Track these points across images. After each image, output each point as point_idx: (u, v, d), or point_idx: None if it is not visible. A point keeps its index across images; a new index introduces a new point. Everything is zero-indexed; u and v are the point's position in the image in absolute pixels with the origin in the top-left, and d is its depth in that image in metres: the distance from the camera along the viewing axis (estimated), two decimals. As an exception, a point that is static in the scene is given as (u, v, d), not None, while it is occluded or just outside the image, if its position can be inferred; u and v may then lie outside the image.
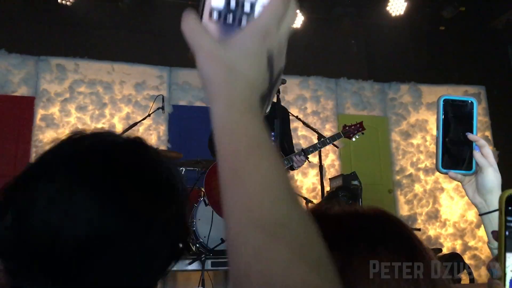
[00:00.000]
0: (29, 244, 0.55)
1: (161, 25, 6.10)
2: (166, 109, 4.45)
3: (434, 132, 6.12)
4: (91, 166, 0.61)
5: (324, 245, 0.40)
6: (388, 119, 6.81)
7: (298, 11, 5.99)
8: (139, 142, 0.68)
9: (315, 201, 5.13)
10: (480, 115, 6.94)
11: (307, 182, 6.09)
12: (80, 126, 5.67)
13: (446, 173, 1.04)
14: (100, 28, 5.90)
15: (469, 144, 1.02)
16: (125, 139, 0.68)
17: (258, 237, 0.39)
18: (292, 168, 3.28)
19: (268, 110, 0.46)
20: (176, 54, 6.11)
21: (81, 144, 0.63)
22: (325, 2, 6.29)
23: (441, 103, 1.05)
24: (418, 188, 6.60)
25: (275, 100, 3.18)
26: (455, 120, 1.04)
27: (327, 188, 4.83)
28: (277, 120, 2.96)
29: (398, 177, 6.61)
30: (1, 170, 4.87)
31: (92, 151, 0.62)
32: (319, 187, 6.04)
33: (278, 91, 3.14)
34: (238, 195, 0.41)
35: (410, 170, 6.65)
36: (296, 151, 3.31)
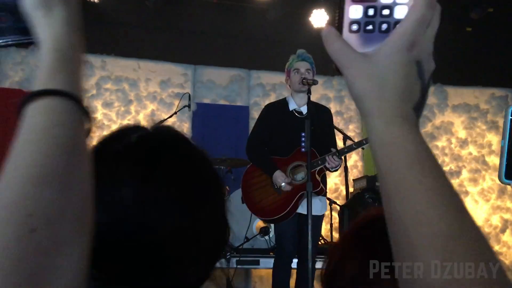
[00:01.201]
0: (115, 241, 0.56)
1: (186, 24, 6.17)
2: (190, 107, 4.50)
3: (459, 135, 6.05)
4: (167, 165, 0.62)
5: (497, 258, 0.38)
6: (412, 121, 6.73)
7: (324, 12, 5.98)
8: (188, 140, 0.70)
9: (338, 202, 5.12)
10: (507, 118, 6.79)
11: (330, 182, 6.07)
12: (106, 123, 5.78)
13: (509, 184, 1.03)
14: (126, 26, 6.00)
15: None
16: (181, 136, 0.69)
17: (429, 254, 0.38)
18: (327, 169, 3.26)
19: (421, 114, 0.48)
20: (200, 52, 6.17)
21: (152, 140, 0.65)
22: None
23: (510, 111, 1.03)
24: (441, 191, 6.50)
25: (306, 101, 3.18)
26: None
27: (350, 190, 4.81)
28: (308, 121, 2.95)
29: (421, 180, 6.52)
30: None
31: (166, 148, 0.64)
32: (341, 187, 6.03)
33: (309, 91, 3.13)
34: (403, 211, 0.40)
35: (434, 172, 6.55)
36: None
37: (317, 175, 3.28)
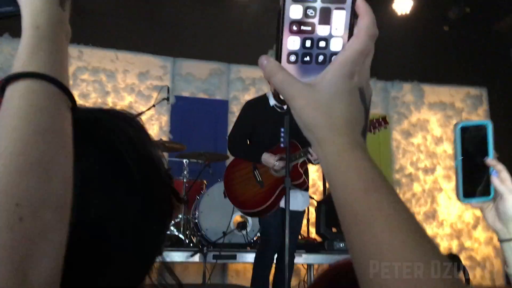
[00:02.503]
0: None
1: (166, 15, 6.09)
2: (169, 100, 4.46)
3: (435, 132, 6.16)
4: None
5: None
6: (390, 118, 6.82)
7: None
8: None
9: (315, 197, 5.16)
10: (481, 117, 6.95)
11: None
12: (82, 114, 5.68)
13: (468, 203, 1.03)
14: (104, 16, 5.89)
15: (486, 169, 1.01)
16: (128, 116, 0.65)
17: (393, 283, 0.37)
18: (310, 161, 3.27)
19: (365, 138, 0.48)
20: (180, 44, 6.10)
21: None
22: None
23: (459, 131, 1.03)
24: (417, 187, 6.63)
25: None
26: (471, 146, 1.03)
27: (327, 185, 4.85)
28: (287, 116, 2.96)
29: (397, 176, 6.63)
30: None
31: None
32: (318, 183, 6.07)
33: None
34: (363, 240, 0.40)
35: (410, 169, 6.67)
36: None
37: (299, 168, 3.30)
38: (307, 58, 0.47)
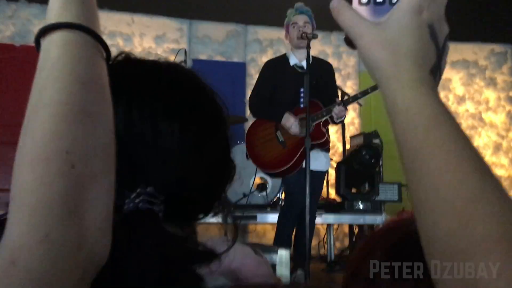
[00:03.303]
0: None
1: (181, -24, 5.98)
2: (187, 63, 4.44)
3: (457, 91, 6.04)
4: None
5: None
6: (410, 77, 6.69)
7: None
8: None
9: (334, 159, 5.16)
10: (506, 75, 6.76)
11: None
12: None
13: None
14: (119, -21, 5.81)
15: None
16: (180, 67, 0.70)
17: (450, 218, 0.37)
18: (333, 120, 3.25)
19: (440, 78, 0.47)
20: (196, 6, 6.01)
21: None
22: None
23: None
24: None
25: (305, 55, 3.13)
26: None
27: (347, 147, 4.83)
28: (307, 76, 2.92)
29: (417, 136, 6.56)
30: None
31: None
32: (337, 144, 6.05)
33: (308, 46, 3.09)
34: (422, 176, 0.40)
35: (431, 129, 6.58)
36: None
37: (322, 127, 3.29)
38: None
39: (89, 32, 0.46)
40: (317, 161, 3.18)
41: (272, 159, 3.27)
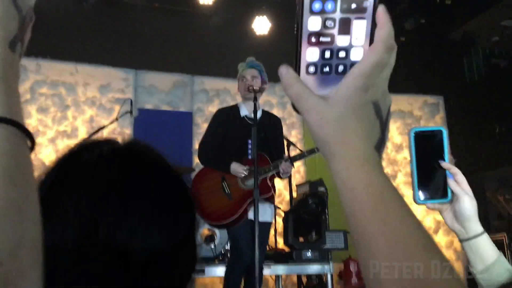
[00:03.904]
0: (96, 258, 0.55)
1: (126, 27, 6.01)
2: (133, 113, 4.38)
3: (395, 140, 6.29)
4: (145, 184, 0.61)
5: None
6: (352, 127, 6.96)
7: (266, 19, 6.06)
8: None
9: (281, 206, 5.17)
10: (438, 124, 7.19)
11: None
12: (41, 129, 5.51)
13: (423, 204, 1.06)
14: (64, 28, 5.75)
15: (443, 172, 1.03)
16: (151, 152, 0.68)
17: (393, 283, 0.38)
18: (279, 175, 3.29)
19: (383, 149, 0.47)
20: (142, 56, 6.03)
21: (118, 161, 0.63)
22: (293, 9, 6.36)
23: (412, 136, 1.06)
24: (379, 194, 6.76)
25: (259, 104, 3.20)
26: (427, 151, 1.06)
27: (294, 195, 4.87)
28: (254, 128, 2.96)
29: (361, 183, 6.75)
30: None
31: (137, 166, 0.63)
32: (284, 193, 6.09)
33: (255, 98, 3.16)
34: (370, 255, 0.41)
35: (373, 176, 6.80)
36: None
37: (268, 181, 3.30)
38: (327, 69, 0.47)
39: (14, 124, 0.45)
40: (263, 212, 3.18)
41: (217, 210, 3.23)
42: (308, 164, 6.36)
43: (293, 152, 4.48)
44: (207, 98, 6.23)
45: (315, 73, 0.47)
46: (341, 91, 0.45)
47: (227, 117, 3.42)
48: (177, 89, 6.21)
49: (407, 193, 6.77)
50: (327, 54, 0.46)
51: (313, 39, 0.46)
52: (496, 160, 6.41)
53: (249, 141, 3.26)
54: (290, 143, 4.40)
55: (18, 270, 0.39)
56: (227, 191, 3.25)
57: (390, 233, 0.40)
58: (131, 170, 0.61)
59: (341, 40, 0.46)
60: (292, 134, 6.48)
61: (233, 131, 3.35)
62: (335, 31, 0.46)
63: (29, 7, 0.49)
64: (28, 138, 0.47)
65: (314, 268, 4.15)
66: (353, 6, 0.45)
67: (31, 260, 0.41)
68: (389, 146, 6.94)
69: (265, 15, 6.13)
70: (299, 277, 4.62)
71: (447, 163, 1.03)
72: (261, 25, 6.16)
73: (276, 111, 6.56)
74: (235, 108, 3.48)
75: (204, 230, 4.25)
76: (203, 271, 3.81)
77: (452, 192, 1.03)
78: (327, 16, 0.45)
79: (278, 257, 4.28)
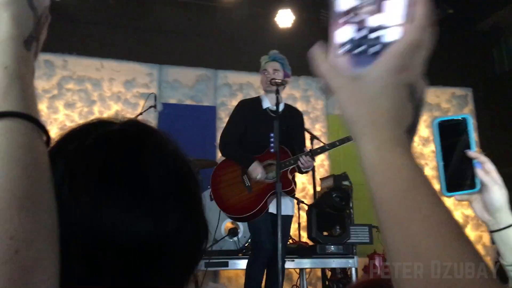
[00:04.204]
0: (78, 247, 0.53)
1: (150, 22, 6.07)
2: (157, 107, 4.43)
3: (422, 133, 6.20)
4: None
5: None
6: (376, 120, 6.87)
7: (290, 12, 6.01)
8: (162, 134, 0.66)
9: (305, 201, 5.15)
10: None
11: (296, 181, 6.10)
12: (68, 124, 5.62)
13: (451, 196, 1.03)
14: (89, 25, 5.85)
15: (470, 162, 1.00)
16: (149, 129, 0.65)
17: (428, 284, 0.37)
18: (299, 170, 3.28)
19: (415, 135, 0.47)
20: (166, 51, 6.08)
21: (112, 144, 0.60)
22: (316, 2, 6.31)
23: (436, 126, 1.02)
24: (405, 188, 6.67)
25: (274, 101, 3.18)
26: (452, 140, 1.02)
27: (317, 189, 4.85)
28: (276, 121, 2.95)
29: (386, 177, 6.66)
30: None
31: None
32: (308, 186, 6.07)
33: (277, 92, 3.14)
34: (400, 240, 0.39)
35: (398, 170, 6.71)
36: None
37: (289, 175, 3.29)
38: (360, 49, 0.45)
39: (29, 119, 0.46)
40: (284, 206, 3.17)
41: (237, 202, 3.22)
42: (332, 157, 6.31)
43: (317, 146, 4.47)
44: (230, 92, 6.24)
45: (347, 52, 0.46)
46: (374, 70, 0.44)
47: (249, 108, 3.41)
48: (201, 84, 6.24)
49: (435, 187, 6.65)
50: (361, 34, 0.45)
51: (347, 17, 0.45)
52: (527, 154, 6.23)
53: (271, 134, 3.25)
54: (314, 137, 4.38)
55: (34, 258, 0.40)
56: (247, 184, 3.25)
57: (422, 220, 0.39)
58: (112, 156, 0.57)
59: (376, 20, 0.44)
60: (316, 127, 6.44)
61: (255, 123, 3.33)
62: (369, 9, 0.44)
63: (44, 7, 0.51)
64: (43, 133, 0.48)
65: (338, 262, 4.13)
66: None
67: (47, 249, 0.41)
68: (416, 139, 6.80)
69: (288, 8, 6.08)
70: (323, 270, 4.61)
71: (474, 152, 1.00)
72: (285, 18, 6.12)
73: (299, 105, 6.52)
74: (257, 100, 3.47)
75: (228, 223, 4.27)
76: (226, 264, 3.83)
77: (481, 181, 1.00)
78: None
79: (302, 251, 4.28)
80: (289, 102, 6.53)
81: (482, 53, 6.95)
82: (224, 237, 4.14)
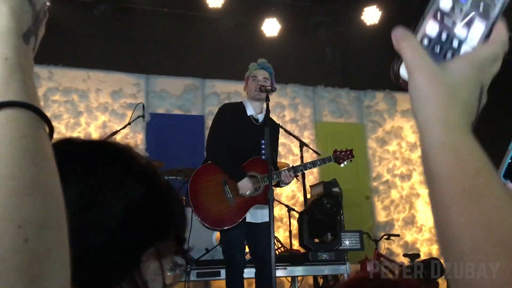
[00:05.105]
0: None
1: (137, 33, 6.06)
2: (145, 117, 4.40)
3: (409, 139, 6.23)
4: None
5: None
6: (364, 126, 6.91)
7: (276, 21, 6.05)
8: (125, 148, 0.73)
9: (296, 208, 5.15)
10: None
11: (286, 189, 6.11)
12: (54, 136, 5.55)
13: (505, 183, 1.03)
14: (75, 35, 5.82)
15: None
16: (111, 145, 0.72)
17: (503, 256, 0.39)
18: (278, 184, 3.25)
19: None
20: (153, 61, 6.07)
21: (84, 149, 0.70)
22: (302, 11, 6.37)
23: None
24: (394, 194, 6.70)
25: (265, 106, 3.16)
26: None
27: (307, 196, 4.85)
28: (267, 128, 2.93)
29: (375, 184, 6.70)
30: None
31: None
32: (298, 194, 6.08)
33: (267, 99, 3.12)
34: (473, 215, 0.41)
35: (387, 176, 6.75)
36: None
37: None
38: (437, 49, 0.49)
39: (32, 109, 0.47)
40: (261, 213, 3.16)
41: (218, 215, 3.12)
42: (321, 165, 6.33)
43: (306, 154, 4.48)
44: (218, 101, 6.24)
45: (426, 46, 0.49)
46: (459, 62, 0.47)
47: (234, 113, 3.33)
48: (188, 93, 6.23)
49: (422, 192, 6.71)
50: (444, 36, 0.48)
51: (439, 16, 0.48)
52: None
53: (262, 141, 3.21)
54: (303, 144, 4.39)
55: (45, 248, 0.39)
56: (229, 195, 3.16)
57: (495, 198, 0.41)
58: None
59: (460, 30, 0.48)
60: (304, 135, 6.46)
61: (238, 129, 3.25)
62: (459, 19, 0.48)
63: (42, 3, 0.51)
64: (46, 124, 0.49)
65: (330, 269, 4.12)
66: (481, 7, 0.48)
67: (57, 239, 0.41)
68: (403, 145, 6.88)
69: (274, 17, 6.12)
70: (315, 278, 4.59)
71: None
72: (271, 27, 6.16)
73: (287, 113, 6.55)
74: (241, 106, 3.39)
75: (218, 233, 4.24)
76: (218, 274, 3.80)
77: None
78: (459, 3, 0.48)
79: (294, 258, 4.27)
80: (278, 110, 6.59)
81: None
82: (215, 246, 4.11)
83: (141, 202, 0.67)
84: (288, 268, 4.05)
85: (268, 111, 3.10)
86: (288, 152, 6.27)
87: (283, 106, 6.54)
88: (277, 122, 4.37)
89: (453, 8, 0.48)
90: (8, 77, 0.48)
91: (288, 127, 6.22)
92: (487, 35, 0.48)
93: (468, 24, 0.48)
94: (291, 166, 3.29)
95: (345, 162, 3.58)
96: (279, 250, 4.78)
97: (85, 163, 0.66)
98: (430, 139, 0.45)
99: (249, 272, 3.31)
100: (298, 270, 4.14)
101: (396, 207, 6.64)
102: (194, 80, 6.28)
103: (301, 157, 4.39)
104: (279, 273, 3.76)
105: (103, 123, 5.82)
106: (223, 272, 3.71)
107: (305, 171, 3.70)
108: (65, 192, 0.51)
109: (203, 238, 4.07)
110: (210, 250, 4.05)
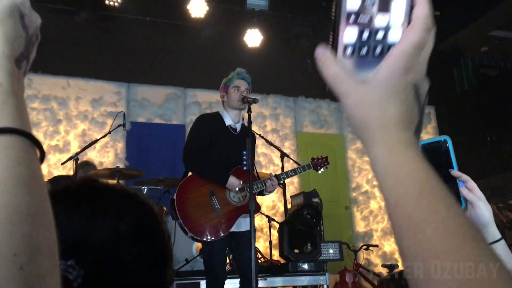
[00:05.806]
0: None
1: (118, 41, 6.03)
2: (125, 126, 4.36)
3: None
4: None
5: None
6: (344, 137, 6.99)
7: (258, 32, 6.09)
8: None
9: (277, 219, 5.15)
10: (430, 134, 7.24)
11: (267, 199, 6.13)
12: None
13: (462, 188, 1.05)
14: (55, 42, 5.74)
15: (454, 181, 1.02)
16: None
17: (448, 284, 0.36)
18: (262, 192, 3.27)
19: (420, 134, 0.46)
20: (134, 70, 6.04)
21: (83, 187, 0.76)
22: (283, 22, 6.43)
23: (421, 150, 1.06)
24: (373, 204, 6.77)
25: (246, 117, 3.17)
26: (435, 162, 1.06)
27: (288, 206, 4.87)
28: (248, 139, 2.94)
29: (354, 194, 6.76)
30: None
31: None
32: (278, 204, 6.09)
33: (249, 109, 3.13)
34: (416, 242, 0.39)
35: (366, 187, 6.82)
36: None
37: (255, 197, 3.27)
38: (364, 51, 0.45)
39: (25, 135, 0.47)
40: (244, 223, 3.17)
41: (207, 227, 3.08)
42: (302, 175, 6.35)
43: (287, 164, 4.50)
44: (199, 110, 6.23)
45: (352, 55, 0.45)
46: (380, 72, 0.44)
47: (212, 123, 3.30)
48: (170, 102, 6.21)
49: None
50: (365, 35, 0.45)
51: (352, 19, 0.44)
52: (488, 169, 6.45)
53: (244, 152, 3.21)
54: (284, 154, 4.41)
55: (38, 275, 0.39)
56: (216, 206, 3.15)
57: (438, 222, 0.38)
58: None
59: (380, 20, 0.44)
60: (285, 145, 6.49)
61: (217, 139, 3.23)
62: (374, 9, 0.44)
63: (35, 27, 0.51)
64: (38, 149, 0.49)
65: (310, 280, 4.13)
66: None
67: (50, 266, 0.41)
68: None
69: (256, 28, 6.17)
70: (294, 289, 4.60)
71: (456, 171, 1.03)
72: (253, 38, 6.20)
73: (268, 123, 6.58)
74: (218, 116, 3.37)
75: (199, 244, 4.21)
76: (198, 285, 3.77)
77: (466, 200, 1.02)
78: None
79: (274, 269, 4.26)
80: (259, 120, 6.61)
81: (443, 73, 7.21)
82: (195, 257, 4.08)
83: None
84: (268, 279, 4.04)
85: (250, 122, 3.11)
86: (269, 162, 6.29)
87: (264, 116, 6.56)
88: (258, 132, 4.38)
89: (363, 4, 0.44)
90: (1, 103, 0.48)
91: (269, 137, 6.25)
92: (411, 6, 0.44)
93: (385, 7, 0.44)
94: (273, 175, 3.31)
95: (322, 169, 3.68)
96: (260, 261, 4.77)
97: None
98: (375, 164, 0.43)
99: (230, 283, 3.29)
100: (278, 281, 4.14)
101: (375, 218, 6.70)
102: (176, 89, 6.27)
103: (282, 167, 4.42)
104: (259, 284, 3.74)
105: (83, 131, 5.75)
106: (203, 283, 3.68)
107: (285, 180, 3.73)
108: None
109: (183, 248, 4.04)
110: (190, 260, 4.01)
